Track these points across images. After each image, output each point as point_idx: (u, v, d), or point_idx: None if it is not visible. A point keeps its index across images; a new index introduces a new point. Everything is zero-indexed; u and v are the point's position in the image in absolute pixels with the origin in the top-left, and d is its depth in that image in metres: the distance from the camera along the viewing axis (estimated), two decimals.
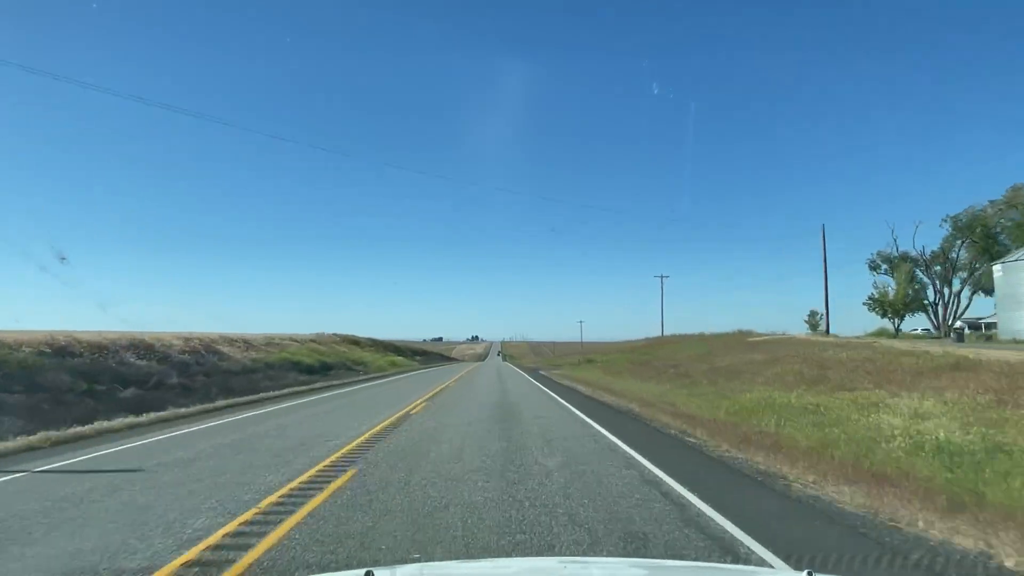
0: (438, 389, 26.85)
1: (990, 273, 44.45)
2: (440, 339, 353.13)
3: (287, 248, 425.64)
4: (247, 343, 37.93)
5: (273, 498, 6.76)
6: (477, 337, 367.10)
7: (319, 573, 3.81)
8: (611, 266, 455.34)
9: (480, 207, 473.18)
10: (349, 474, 8.04)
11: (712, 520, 5.86)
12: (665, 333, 69.33)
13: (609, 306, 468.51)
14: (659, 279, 74.85)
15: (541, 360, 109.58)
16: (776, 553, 4.84)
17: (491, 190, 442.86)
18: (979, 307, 59.68)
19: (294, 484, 7.45)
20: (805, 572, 2.05)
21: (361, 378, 40.00)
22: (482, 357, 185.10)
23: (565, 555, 4.61)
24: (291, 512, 6.12)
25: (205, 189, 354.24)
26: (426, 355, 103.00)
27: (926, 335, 56.25)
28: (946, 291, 59.61)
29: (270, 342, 42.40)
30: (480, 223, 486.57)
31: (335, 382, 33.74)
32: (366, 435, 11.79)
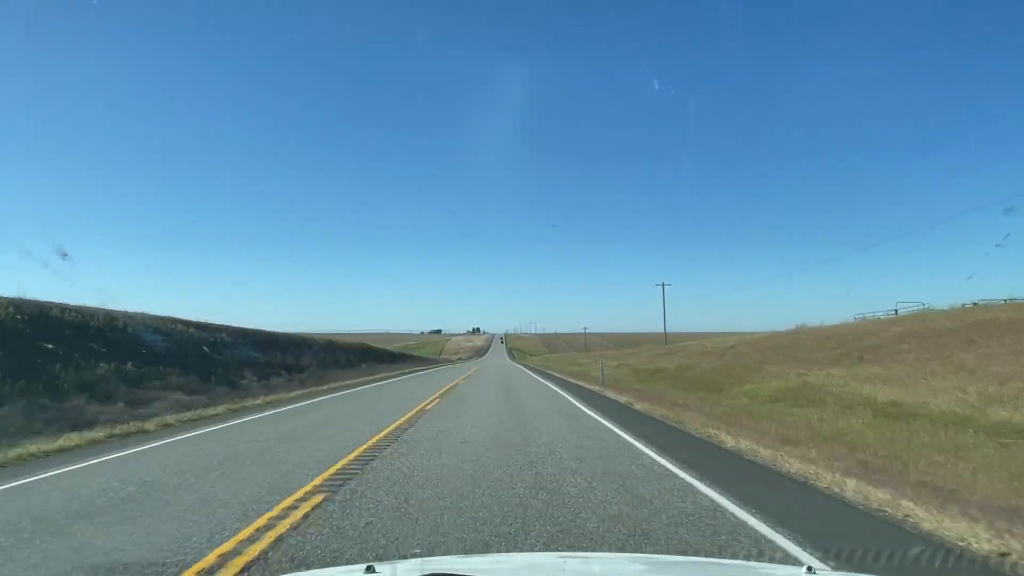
0: None
1: None
2: (439, 331, 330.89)
3: (289, 244, 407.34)
4: None
5: None
6: (478, 329, 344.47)
7: (319, 568, 3.56)
8: (617, 263, 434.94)
9: (484, 199, 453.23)
10: None
11: None
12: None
13: (616, 302, 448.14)
14: None
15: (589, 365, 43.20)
16: None
17: (495, 180, 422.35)
18: None
19: None
20: (804, 568, 1.94)
21: None
22: (481, 352, 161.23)
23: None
24: None
25: (210, 185, 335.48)
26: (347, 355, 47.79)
27: None
28: None
29: None
30: (483, 214, 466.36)
31: None
32: None
